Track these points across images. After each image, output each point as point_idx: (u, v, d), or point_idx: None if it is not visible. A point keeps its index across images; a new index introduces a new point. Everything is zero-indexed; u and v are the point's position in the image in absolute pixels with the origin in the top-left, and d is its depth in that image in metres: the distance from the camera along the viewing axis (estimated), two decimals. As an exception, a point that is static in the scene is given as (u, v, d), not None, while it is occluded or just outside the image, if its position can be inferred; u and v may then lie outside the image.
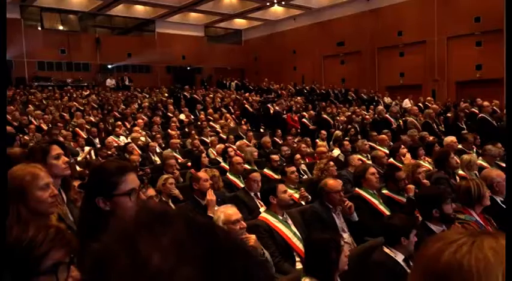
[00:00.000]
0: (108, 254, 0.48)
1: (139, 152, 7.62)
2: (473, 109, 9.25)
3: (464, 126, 8.14)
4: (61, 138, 7.33)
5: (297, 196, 4.51)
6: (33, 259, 1.15)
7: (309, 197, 4.37)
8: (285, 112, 12.83)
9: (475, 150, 6.58)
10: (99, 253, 0.49)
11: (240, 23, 25.89)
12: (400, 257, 2.70)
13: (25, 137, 7.87)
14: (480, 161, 5.58)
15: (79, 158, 7.13)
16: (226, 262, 0.48)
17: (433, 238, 0.72)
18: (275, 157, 6.02)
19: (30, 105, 11.87)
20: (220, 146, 7.75)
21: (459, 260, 0.64)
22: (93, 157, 7.82)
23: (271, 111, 12.74)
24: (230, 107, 14.46)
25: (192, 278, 0.45)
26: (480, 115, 8.12)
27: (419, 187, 4.31)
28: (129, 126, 10.69)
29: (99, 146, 8.61)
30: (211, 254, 0.47)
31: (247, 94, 16.55)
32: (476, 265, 0.63)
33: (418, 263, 0.71)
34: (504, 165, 5.54)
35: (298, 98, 16.55)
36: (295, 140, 9.07)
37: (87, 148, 8.08)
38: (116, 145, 8.64)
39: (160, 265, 0.45)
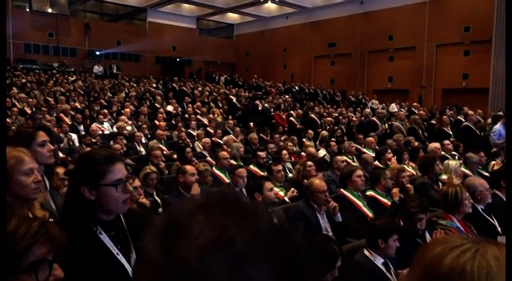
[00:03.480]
0: (191, 223, 0.46)
1: (125, 141, 7.53)
2: (458, 117, 9.39)
3: (451, 133, 8.26)
4: (46, 123, 7.18)
5: (282, 193, 4.52)
6: (13, 255, 1.06)
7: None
8: (272, 110, 12.83)
9: (457, 158, 6.69)
10: (181, 217, 0.47)
11: (232, 17, 25.76)
12: (379, 261, 2.71)
13: (7, 120, 7.69)
14: (463, 169, 5.68)
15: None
16: (298, 268, 0.47)
17: (435, 241, 0.74)
18: (262, 153, 6.01)
19: (14, 88, 11.61)
20: (206, 140, 7.71)
21: (462, 265, 0.65)
22: (77, 144, 7.72)
23: (260, 108, 12.72)
24: (218, 102, 14.39)
25: (267, 276, 0.44)
26: (464, 123, 8.25)
27: (403, 191, 4.37)
28: (114, 114, 10.55)
29: (83, 133, 8.48)
30: (288, 257, 0.46)
31: (235, 90, 16.48)
32: (478, 272, 0.64)
33: (418, 264, 0.71)
34: (486, 174, 5.65)
35: (287, 96, 16.57)
36: (282, 138, 9.09)
37: (74, 135, 7.96)
38: (100, 132, 8.53)
39: (245, 252, 0.44)
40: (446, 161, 5.48)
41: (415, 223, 3.05)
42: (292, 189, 4.47)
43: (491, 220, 3.57)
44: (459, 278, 0.64)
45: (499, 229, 3.48)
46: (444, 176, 5.24)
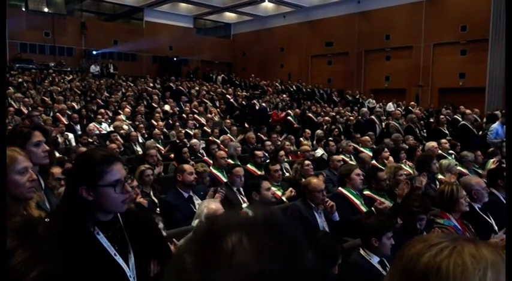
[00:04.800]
0: (235, 246, 0.44)
1: (122, 141, 7.50)
2: (455, 116, 9.42)
3: (447, 132, 8.28)
4: (41, 123, 7.15)
5: (279, 193, 4.51)
6: None
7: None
8: (269, 109, 12.83)
9: (453, 156, 6.71)
10: (223, 234, 0.46)
11: (229, 16, 25.73)
12: (375, 260, 2.71)
13: (3, 119, 7.64)
14: (459, 168, 5.70)
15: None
16: None
17: (415, 239, 0.73)
18: (259, 153, 6.00)
19: (10, 88, 11.56)
20: (195, 141, 7.55)
21: (438, 263, 0.66)
22: (73, 144, 7.69)
23: (257, 108, 12.72)
24: (216, 101, 14.38)
25: None
26: (462, 123, 8.27)
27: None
28: (111, 114, 10.52)
29: (80, 132, 8.46)
30: None
31: (231, 89, 16.47)
32: (453, 270, 0.64)
33: (398, 262, 0.72)
34: (481, 172, 5.68)
35: (284, 95, 16.58)
36: (280, 139, 9.08)
37: (71, 135, 7.93)
38: (97, 132, 8.51)
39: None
40: (440, 161, 5.51)
41: (415, 222, 3.05)
42: (291, 189, 4.47)
43: (488, 218, 3.58)
44: (435, 276, 0.65)
45: (496, 227, 3.49)
46: (441, 175, 5.26)
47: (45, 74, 16.20)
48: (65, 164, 4.57)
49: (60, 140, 7.54)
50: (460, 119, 8.74)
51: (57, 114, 9.38)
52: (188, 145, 6.70)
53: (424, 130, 9.71)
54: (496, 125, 7.81)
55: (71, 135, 8.01)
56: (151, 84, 16.80)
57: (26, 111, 9.04)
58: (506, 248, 0.66)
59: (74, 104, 11.28)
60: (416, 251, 0.69)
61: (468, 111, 8.94)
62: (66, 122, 8.92)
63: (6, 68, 15.85)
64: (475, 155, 6.10)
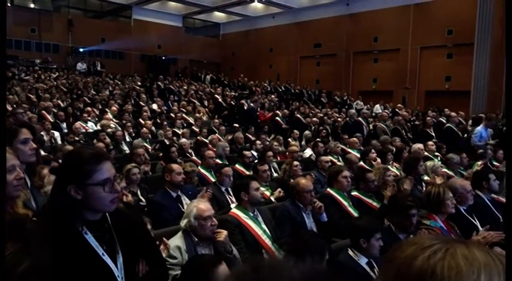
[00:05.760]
0: None
1: (109, 140, 7.42)
2: (440, 118, 9.53)
3: (433, 134, 8.38)
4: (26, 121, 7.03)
5: (267, 193, 4.52)
6: None
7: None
8: (258, 109, 12.84)
9: (439, 159, 6.80)
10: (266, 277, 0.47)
11: (219, 16, 25.68)
12: (363, 261, 2.73)
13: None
14: (445, 170, 5.78)
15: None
16: None
17: (406, 242, 0.74)
18: (247, 153, 6.00)
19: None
20: (184, 141, 7.51)
21: (432, 266, 0.66)
22: (59, 142, 7.59)
23: (245, 108, 12.71)
24: (204, 101, 14.33)
25: None
26: (447, 125, 8.38)
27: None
28: (97, 112, 10.40)
29: (66, 131, 8.35)
30: None
31: (220, 89, 16.43)
32: (448, 272, 0.65)
33: (390, 265, 0.71)
34: (465, 173, 5.76)
35: (273, 96, 16.60)
36: (269, 139, 9.08)
37: (56, 133, 7.81)
38: (83, 131, 8.40)
39: None
40: (425, 162, 5.58)
41: (408, 218, 3.03)
42: (279, 189, 4.48)
43: (473, 220, 3.64)
44: (430, 279, 0.65)
45: (481, 229, 3.54)
46: (426, 177, 5.33)
47: (31, 71, 15.94)
48: (50, 163, 4.51)
49: (45, 138, 7.43)
50: (444, 121, 8.85)
51: (43, 112, 9.23)
52: (176, 144, 6.66)
53: (410, 132, 9.81)
54: (479, 128, 7.92)
55: (56, 134, 7.90)
56: (139, 83, 16.67)
57: (10, 109, 8.88)
58: (506, 248, 0.67)
59: (59, 101, 11.12)
60: (409, 254, 0.69)
61: (453, 114, 9.05)
62: (52, 120, 8.79)
63: (6, 68, 15.60)
64: (461, 158, 6.19)
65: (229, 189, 4.38)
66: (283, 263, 0.50)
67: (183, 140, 7.39)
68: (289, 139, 9.27)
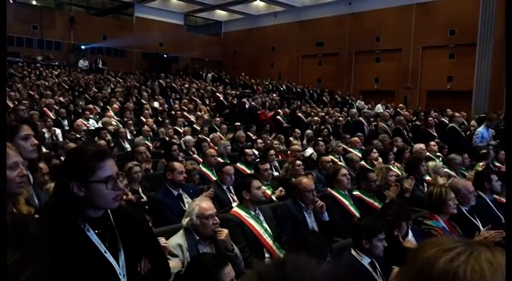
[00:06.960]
0: None
1: (110, 137, 7.42)
2: (442, 119, 9.52)
3: (435, 134, 8.36)
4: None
5: (269, 192, 4.51)
6: None
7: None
8: (260, 107, 12.83)
9: (441, 159, 6.78)
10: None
11: (220, 14, 25.66)
12: (365, 261, 2.72)
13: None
14: (447, 170, 5.77)
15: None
16: None
17: (428, 242, 0.73)
18: (249, 151, 5.99)
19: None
20: (188, 138, 7.52)
21: (455, 268, 0.65)
22: (60, 139, 7.58)
23: (247, 106, 12.70)
24: (206, 99, 14.32)
25: None
26: (450, 125, 8.36)
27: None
28: (99, 110, 10.40)
29: (67, 128, 8.34)
30: None
31: (221, 87, 16.42)
32: (471, 276, 0.64)
33: (411, 265, 0.71)
34: (467, 174, 5.75)
35: (274, 95, 16.58)
36: (270, 138, 9.06)
37: (58, 130, 7.81)
38: (85, 128, 8.40)
39: None
40: (427, 163, 5.56)
41: (392, 230, 2.94)
42: (281, 188, 4.47)
43: (475, 220, 3.63)
44: None
45: (482, 229, 3.53)
46: (428, 177, 5.32)
47: (33, 68, 15.94)
48: (52, 160, 4.52)
49: (47, 135, 7.43)
50: (447, 121, 8.84)
51: (44, 109, 9.23)
52: (178, 142, 6.65)
53: (410, 132, 9.79)
54: (481, 129, 7.89)
55: (58, 131, 7.90)
56: (135, 82, 16.65)
57: (11, 106, 8.88)
58: (506, 248, 0.67)
59: (61, 99, 11.12)
60: (431, 255, 0.69)
61: (457, 114, 9.04)
62: (53, 117, 8.79)
63: (6, 69, 15.62)
64: (463, 158, 6.17)
65: (231, 187, 4.37)
66: (307, 263, 0.50)
67: (188, 137, 7.37)
68: (291, 138, 9.25)
